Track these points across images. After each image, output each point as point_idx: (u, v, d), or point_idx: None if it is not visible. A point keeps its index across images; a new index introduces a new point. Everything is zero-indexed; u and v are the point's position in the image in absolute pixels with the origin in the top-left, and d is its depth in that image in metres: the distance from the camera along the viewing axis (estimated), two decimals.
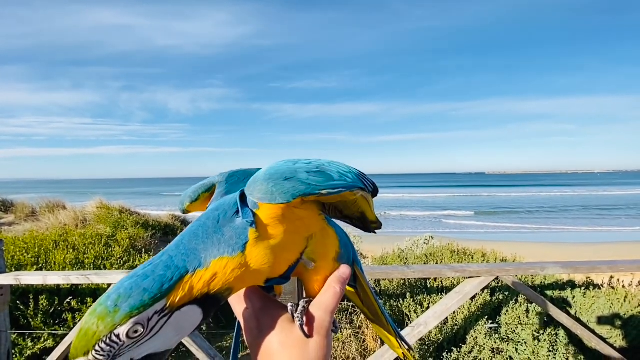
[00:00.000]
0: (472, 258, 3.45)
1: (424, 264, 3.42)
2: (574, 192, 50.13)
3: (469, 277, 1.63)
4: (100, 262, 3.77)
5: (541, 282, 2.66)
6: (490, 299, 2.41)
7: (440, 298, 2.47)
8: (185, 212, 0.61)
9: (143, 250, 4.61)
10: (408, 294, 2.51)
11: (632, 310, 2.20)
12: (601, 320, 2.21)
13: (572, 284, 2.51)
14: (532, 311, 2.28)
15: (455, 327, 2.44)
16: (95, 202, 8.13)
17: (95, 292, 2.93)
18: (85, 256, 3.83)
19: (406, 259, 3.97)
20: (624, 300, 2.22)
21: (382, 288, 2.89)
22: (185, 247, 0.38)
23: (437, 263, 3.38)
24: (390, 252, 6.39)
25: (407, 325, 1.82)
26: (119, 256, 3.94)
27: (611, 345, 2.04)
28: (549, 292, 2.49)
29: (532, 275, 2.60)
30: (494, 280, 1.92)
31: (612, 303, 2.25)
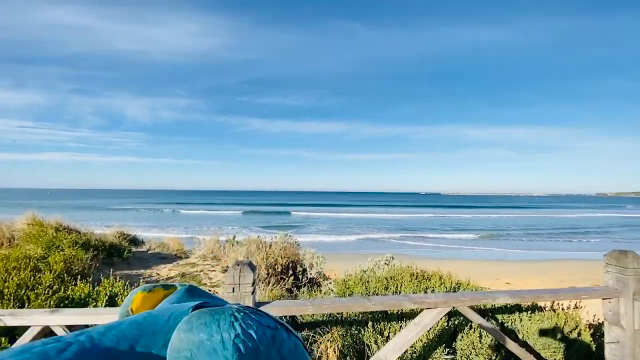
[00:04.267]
0: (430, 281, 3.54)
1: (385, 288, 3.43)
2: (516, 213, 55.23)
3: (427, 308, 1.65)
4: (23, 291, 3.24)
5: (492, 306, 2.79)
6: (446, 325, 2.46)
7: (401, 326, 2.47)
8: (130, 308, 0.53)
9: (79, 275, 4.08)
10: (370, 322, 2.48)
11: (571, 334, 2.38)
12: (545, 344, 2.36)
13: (519, 307, 2.67)
14: (485, 336, 2.37)
15: (414, 354, 2.44)
16: (26, 217, 7.16)
17: (12, 331, 2.48)
18: (6, 284, 3.28)
19: (367, 281, 3.97)
20: (564, 324, 2.41)
21: (344, 315, 2.83)
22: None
23: (397, 287, 3.41)
24: (353, 274, 6.37)
25: (368, 359, 1.76)
26: (48, 284, 3.43)
27: None
28: (499, 316, 2.61)
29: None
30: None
31: (554, 326, 2.42)
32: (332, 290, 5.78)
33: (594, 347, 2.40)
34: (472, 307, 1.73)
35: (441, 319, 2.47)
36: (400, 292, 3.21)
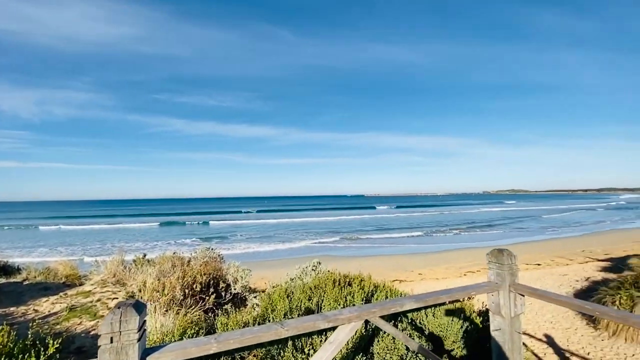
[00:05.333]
0: (351, 286, 3.65)
1: (308, 299, 3.38)
2: (427, 211, 63.11)
3: (342, 324, 1.63)
4: None
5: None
6: (364, 331, 2.54)
7: (321, 340, 2.43)
8: None
9: None
10: (289, 340, 2.38)
11: (466, 322, 2.72)
12: (447, 335, 2.63)
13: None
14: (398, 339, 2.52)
15: None
16: None
17: None
18: None
19: (292, 292, 3.88)
20: (461, 315, 2.74)
21: None
22: None
23: (320, 296, 3.40)
24: (282, 283, 6.21)
25: None
26: None
27: (453, 357, 2.42)
28: (410, 315, 2.82)
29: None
30: None
31: (452, 317, 2.73)
32: (257, 305, 5.51)
33: (484, 332, 2.79)
34: (382, 317, 1.80)
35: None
36: (323, 302, 3.20)
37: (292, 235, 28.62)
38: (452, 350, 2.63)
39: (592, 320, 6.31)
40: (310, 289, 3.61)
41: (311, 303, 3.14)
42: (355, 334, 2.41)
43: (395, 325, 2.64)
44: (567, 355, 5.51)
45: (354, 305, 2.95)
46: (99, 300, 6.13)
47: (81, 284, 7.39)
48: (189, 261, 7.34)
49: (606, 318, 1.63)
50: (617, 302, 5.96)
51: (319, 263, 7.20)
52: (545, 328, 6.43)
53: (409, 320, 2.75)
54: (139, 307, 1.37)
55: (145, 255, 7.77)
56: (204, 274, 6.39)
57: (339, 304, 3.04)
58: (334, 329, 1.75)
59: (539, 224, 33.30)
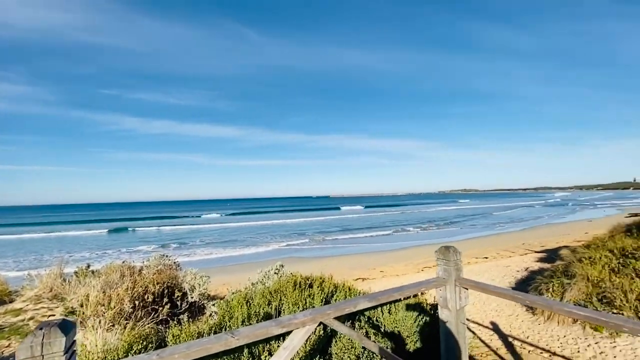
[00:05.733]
0: (312, 288, 3.65)
1: (268, 304, 3.32)
2: (388, 211, 65.57)
3: (296, 329, 1.62)
4: None
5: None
6: (322, 332, 2.55)
7: (278, 345, 2.39)
8: None
9: None
10: (245, 347, 2.30)
11: (419, 316, 2.87)
12: (402, 330, 2.75)
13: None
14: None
15: None
16: None
17: None
18: None
19: (251, 298, 3.78)
20: (414, 309, 2.89)
21: None
22: None
23: (280, 300, 3.36)
24: (244, 288, 6.02)
25: None
26: None
27: (407, 351, 2.53)
28: (367, 313, 2.90)
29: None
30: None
31: (406, 312, 2.86)
32: (215, 314, 5.29)
33: (435, 325, 2.95)
34: (337, 318, 1.83)
35: (317, 328, 2.54)
36: (282, 306, 3.16)
37: (257, 239, 28.02)
38: (406, 344, 2.75)
39: (530, 307, 7.00)
40: (271, 293, 3.55)
41: (270, 308, 3.08)
42: (314, 336, 2.41)
43: (353, 325, 2.69)
44: (510, 339, 6.05)
45: (313, 307, 2.96)
46: (32, 318, 5.46)
47: (11, 301, 6.52)
48: (140, 270, 6.83)
49: (534, 306, 1.81)
50: (551, 289, 6.67)
51: (282, 266, 7.12)
52: (492, 316, 6.99)
53: (367, 319, 2.82)
54: (67, 327, 1.23)
55: (89, 266, 7.08)
56: (158, 283, 5.99)
57: (299, 307, 3.02)
58: (290, 333, 1.73)
59: (489, 220, 36.28)
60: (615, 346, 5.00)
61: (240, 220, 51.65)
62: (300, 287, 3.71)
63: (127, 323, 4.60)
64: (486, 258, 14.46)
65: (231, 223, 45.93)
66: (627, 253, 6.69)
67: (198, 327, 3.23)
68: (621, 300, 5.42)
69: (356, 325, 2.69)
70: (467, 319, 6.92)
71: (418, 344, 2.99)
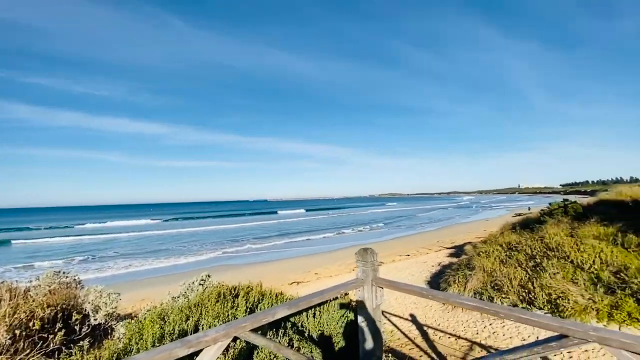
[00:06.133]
0: (237, 298, 3.47)
1: (186, 320, 3.04)
2: (326, 214, 67.51)
3: (207, 347, 1.49)
4: None
5: None
6: (245, 345, 2.44)
7: None
8: None
9: None
10: None
11: (343, 317, 2.98)
12: (327, 331, 2.80)
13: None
14: (280, 343, 2.53)
15: None
16: None
17: None
18: None
19: (167, 315, 3.41)
20: (337, 310, 2.98)
21: None
22: None
23: (200, 315, 3.10)
24: (163, 303, 5.43)
25: None
26: None
27: (332, 352, 2.59)
28: (292, 319, 2.88)
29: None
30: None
31: (330, 316, 2.94)
32: (123, 335, 4.63)
33: (356, 322, 3.10)
34: (256, 329, 1.75)
35: (238, 341, 2.41)
36: (201, 321, 2.92)
37: (187, 247, 25.77)
38: (331, 345, 2.82)
39: None
40: (190, 307, 3.26)
41: (188, 325, 2.83)
42: (233, 350, 2.28)
43: (277, 333, 2.64)
44: (425, 328, 6.75)
45: (236, 318, 2.81)
46: None
47: None
48: (26, 292, 5.58)
49: (435, 300, 2.04)
50: (457, 281, 7.67)
51: (208, 276, 6.66)
52: (411, 309, 7.70)
53: (291, 325, 2.81)
54: None
55: None
56: (49, 306, 4.98)
57: (220, 320, 2.84)
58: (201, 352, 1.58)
59: (412, 221, 40.19)
60: (504, 325, 5.99)
61: (168, 227, 46.92)
62: (224, 298, 3.50)
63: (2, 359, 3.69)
64: (408, 255, 15.93)
65: (156, 231, 41.33)
66: (512, 246, 8.10)
67: (96, 355, 2.78)
68: (507, 286, 6.51)
69: (280, 333, 2.64)
70: (390, 313, 7.50)
71: (342, 343, 3.09)
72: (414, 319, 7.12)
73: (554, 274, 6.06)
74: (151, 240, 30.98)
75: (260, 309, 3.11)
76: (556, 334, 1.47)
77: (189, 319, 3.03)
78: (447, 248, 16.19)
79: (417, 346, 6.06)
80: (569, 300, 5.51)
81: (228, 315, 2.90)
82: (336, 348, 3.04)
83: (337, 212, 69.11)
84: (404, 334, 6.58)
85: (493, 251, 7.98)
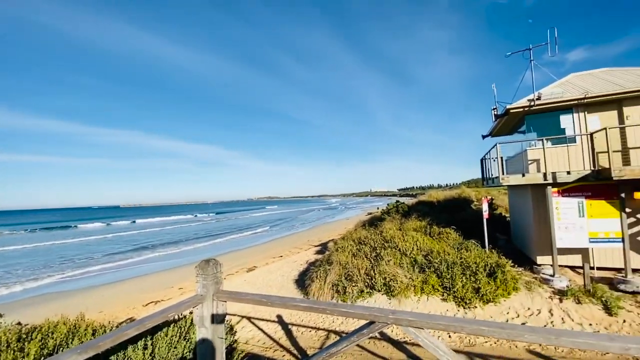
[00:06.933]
0: (30, 342, 2.54)
1: None
2: (198, 221, 61.55)
3: None
4: None
5: None
6: None
7: None
8: None
9: None
10: None
11: (187, 336, 2.62)
12: (173, 355, 2.39)
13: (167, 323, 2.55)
14: None
15: None
16: None
17: None
18: None
19: None
20: (179, 331, 2.61)
21: None
22: None
23: None
24: None
25: None
26: None
27: None
28: (113, 356, 2.31)
29: None
30: None
31: (175, 338, 2.53)
32: None
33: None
34: None
35: None
36: None
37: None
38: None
39: (306, 294, 8.47)
40: None
41: None
42: None
43: None
44: (290, 327, 7.01)
45: None
46: None
47: None
48: None
49: (274, 306, 2.04)
50: (318, 276, 8.35)
51: (0, 315, 4.79)
52: (278, 310, 7.86)
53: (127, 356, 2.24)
54: None
55: None
56: None
57: None
58: None
59: (289, 223, 41.80)
60: None
61: None
62: (7, 347, 2.50)
63: None
64: (281, 257, 16.39)
65: None
66: (362, 241, 9.52)
67: None
68: (357, 275, 7.55)
69: None
70: (258, 318, 7.42)
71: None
72: (280, 320, 7.28)
73: (388, 261, 7.46)
74: None
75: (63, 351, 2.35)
76: (367, 321, 1.72)
77: None
78: (315, 246, 17.61)
79: (282, 346, 6.20)
80: (397, 281, 6.89)
81: None
82: None
83: (216, 217, 64.24)
84: (269, 336, 6.61)
85: (347, 246, 9.13)
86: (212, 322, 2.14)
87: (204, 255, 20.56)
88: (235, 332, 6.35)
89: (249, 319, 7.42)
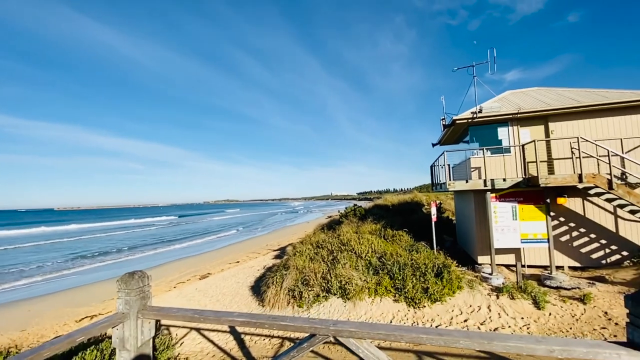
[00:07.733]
0: None
1: None
2: (147, 227, 57.06)
3: None
4: None
5: None
6: None
7: None
8: None
9: None
10: None
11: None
12: None
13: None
14: None
15: None
16: None
17: None
18: None
19: None
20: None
21: None
22: None
23: None
24: None
25: None
26: None
27: None
28: None
29: None
30: None
31: (102, 358, 2.20)
32: None
33: None
34: None
35: None
36: None
37: None
38: None
39: (261, 300, 8.19)
40: None
41: None
42: None
43: None
44: (243, 335, 6.69)
45: None
46: None
47: None
48: None
49: (207, 322, 1.86)
50: (275, 282, 8.12)
51: None
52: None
53: None
54: None
55: None
56: None
57: None
58: None
59: (256, 227, 40.49)
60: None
61: None
62: None
63: None
64: (238, 262, 15.75)
65: None
66: (320, 244, 9.49)
67: None
68: (313, 279, 7.47)
69: None
70: (209, 329, 6.97)
71: None
72: (232, 330, 6.92)
73: (345, 264, 7.52)
74: None
75: None
76: (307, 334, 1.63)
77: None
78: (274, 250, 17.24)
79: (233, 358, 5.88)
80: (352, 284, 6.95)
81: None
82: None
83: (172, 222, 59.89)
84: (220, 348, 6.24)
85: (305, 250, 9.04)
86: (137, 343, 1.89)
87: (147, 264, 18.97)
88: (176, 346, 5.87)
89: (198, 330, 6.95)
